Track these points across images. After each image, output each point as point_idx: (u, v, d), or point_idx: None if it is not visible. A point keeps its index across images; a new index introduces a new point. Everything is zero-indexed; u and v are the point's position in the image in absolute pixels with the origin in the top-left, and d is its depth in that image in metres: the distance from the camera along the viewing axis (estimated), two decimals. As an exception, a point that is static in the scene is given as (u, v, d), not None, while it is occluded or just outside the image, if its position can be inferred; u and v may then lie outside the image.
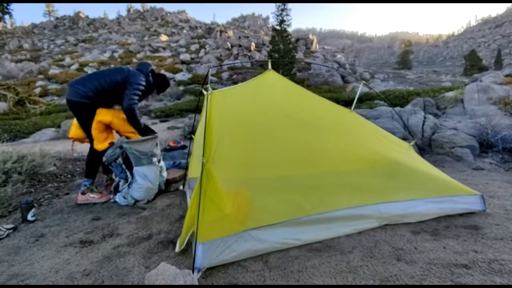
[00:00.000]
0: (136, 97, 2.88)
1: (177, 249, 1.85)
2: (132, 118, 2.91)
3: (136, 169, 2.86)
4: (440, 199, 2.15)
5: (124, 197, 2.84)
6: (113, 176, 3.15)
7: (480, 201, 2.22)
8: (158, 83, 3.20)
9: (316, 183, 2.09)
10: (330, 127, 2.44)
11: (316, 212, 1.92)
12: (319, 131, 2.37)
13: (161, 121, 10.55)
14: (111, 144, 2.95)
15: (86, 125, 2.90)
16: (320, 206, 1.95)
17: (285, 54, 22.82)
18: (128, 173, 2.91)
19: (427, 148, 4.71)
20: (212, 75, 24.81)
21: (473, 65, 36.55)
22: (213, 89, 2.24)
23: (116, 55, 33.81)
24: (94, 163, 3.04)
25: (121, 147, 2.89)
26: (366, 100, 10.55)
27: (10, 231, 2.26)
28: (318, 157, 2.25)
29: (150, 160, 2.93)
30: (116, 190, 2.97)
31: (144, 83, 2.95)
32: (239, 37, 36.41)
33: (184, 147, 4.76)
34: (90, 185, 2.99)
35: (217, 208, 1.78)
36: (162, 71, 25.08)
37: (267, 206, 1.90)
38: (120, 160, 2.92)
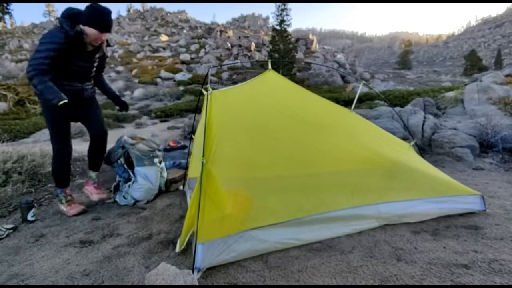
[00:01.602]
0: (38, 60, 2.09)
1: (177, 249, 1.85)
2: (34, 88, 2.14)
3: (137, 169, 2.86)
4: (440, 199, 2.15)
5: (124, 197, 2.84)
6: (93, 176, 2.93)
7: (480, 201, 2.22)
8: (88, 20, 2.18)
9: (316, 183, 2.09)
10: (330, 127, 2.44)
11: (316, 212, 1.92)
12: (319, 131, 2.37)
13: (161, 121, 10.56)
14: None
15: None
16: (320, 206, 1.95)
17: (285, 54, 22.83)
18: (130, 173, 2.91)
19: (427, 148, 4.71)
20: (212, 75, 24.82)
21: (473, 65, 36.55)
22: (213, 89, 2.24)
23: (116, 55, 33.81)
24: (62, 168, 2.56)
25: (123, 147, 2.89)
26: (366, 100, 10.55)
27: (10, 231, 2.26)
28: (318, 157, 2.25)
29: (152, 160, 2.93)
30: (116, 190, 2.97)
31: (54, 38, 2.13)
32: (239, 37, 36.41)
33: (184, 147, 4.76)
34: (60, 194, 2.62)
35: (217, 208, 1.78)
36: (162, 71, 25.11)
37: (267, 206, 1.90)
38: (122, 160, 2.93)
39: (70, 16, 2.21)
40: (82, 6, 2.28)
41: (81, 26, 2.18)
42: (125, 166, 2.93)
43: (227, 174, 1.94)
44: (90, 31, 2.19)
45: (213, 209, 1.76)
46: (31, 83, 2.12)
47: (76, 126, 8.05)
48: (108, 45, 2.51)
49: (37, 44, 2.16)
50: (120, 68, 28.31)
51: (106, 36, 2.29)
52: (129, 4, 73.24)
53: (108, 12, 2.22)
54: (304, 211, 1.90)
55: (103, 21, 2.21)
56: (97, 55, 2.46)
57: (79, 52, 2.26)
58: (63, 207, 2.61)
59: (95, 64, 2.52)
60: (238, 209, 1.82)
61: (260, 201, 1.91)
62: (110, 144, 3.12)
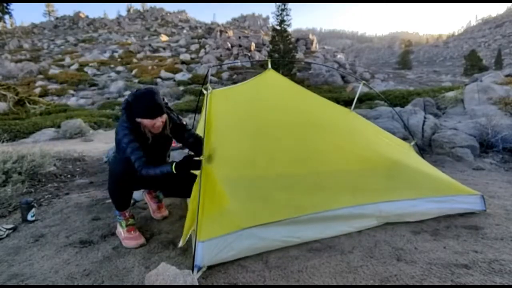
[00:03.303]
0: (137, 155, 1.93)
1: (180, 244, 1.78)
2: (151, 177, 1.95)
3: (136, 169, 2.85)
4: (440, 199, 2.15)
5: (124, 197, 2.83)
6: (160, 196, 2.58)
7: (480, 201, 2.21)
8: (136, 111, 1.98)
9: (316, 182, 2.09)
10: (330, 127, 2.44)
11: (316, 211, 1.91)
12: (319, 130, 2.37)
13: (161, 121, 10.55)
14: None
15: None
16: (320, 205, 1.95)
17: (285, 54, 22.84)
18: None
19: (427, 148, 4.70)
20: (212, 75, 24.83)
21: (473, 65, 36.58)
22: (213, 89, 2.24)
23: (116, 55, 33.83)
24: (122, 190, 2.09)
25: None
26: (366, 100, 10.56)
27: (10, 231, 2.26)
28: (318, 156, 2.25)
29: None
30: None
31: (125, 130, 1.96)
32: (239, 37, 36.43)
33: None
34: (120, 217, 2.13)
35: (216, 206, 1.79)
36: (162, 71, 25.11)
37: (267, 204, 1.90)
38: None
39: (127, 107, 2.03)
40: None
41: (136, 119, 2.00)
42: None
43: (227, 172, 1.94)
44: (142, 121, 1.99)
45: (213, 207, 1.76)
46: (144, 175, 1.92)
47: (75, 126, 8.05)
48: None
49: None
50: (120, 68, 28.34)
51: (162, 118, 2.04)
52: (129, 4, 73.28)
53: (148, 97, 1.98)
54: (304, 210, 1.90)
55: (145, 108, 1.98)
56: (162, 139, 2.19)
57: (144, 140, 2.05)
58: (121, 230, 2.10)
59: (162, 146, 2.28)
60: (238, 207, 1.82)
61: (260, 199, 1.91)
62: (109, 145, 3.12)
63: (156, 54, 33.78)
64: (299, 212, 1.89)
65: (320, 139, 2.32)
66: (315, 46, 40.47)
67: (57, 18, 64.26)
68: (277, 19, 24.00)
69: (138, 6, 74.20)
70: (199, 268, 1.56)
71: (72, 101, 19.27)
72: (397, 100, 9.68)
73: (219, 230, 1.68)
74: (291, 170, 2.13)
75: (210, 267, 1.63)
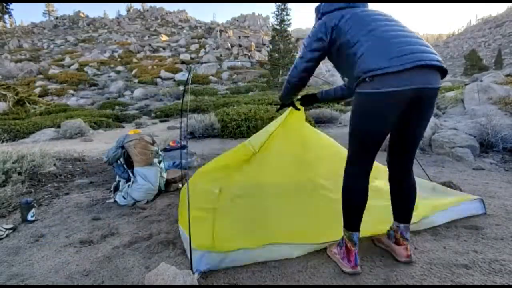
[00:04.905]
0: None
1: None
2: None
3: (137, 170, 2.86)
4: (449, 210, 2.09)
5: (123, 197, 2.84)
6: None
7: (480, 205, 2.20)
8: None
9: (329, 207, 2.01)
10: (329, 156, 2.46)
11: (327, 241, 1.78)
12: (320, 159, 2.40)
13: (161, 121, 10.57)
14: None
15: None
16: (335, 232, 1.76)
17: (285, 54, 22.82)
18: (130, 173, 2.91)
19: (427, 148, 4.70)
20: (212, 75, 24.83)
21: (473, 65, 36.56)
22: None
23: (116, 55, 33.82)
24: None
25: (122, 147, 2.89)
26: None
27: (10, 231, 2.25)
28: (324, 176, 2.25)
29: (151, 160, 2.93)
30: (116, 190, 2.97)
31: None
32: (239, 37, 36.45)
33: (184, 147, 4.75)
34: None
35: (222, 225, 1.85)
36: (162, 71, 25.13)
37: (276, 228, 1.86)
38: (121, 160, 2.92)
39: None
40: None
41: None
42: (125, 166, 2.93)
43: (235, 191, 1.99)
44: None
45: (218, 224, 1.82)
46: None
47: (75, 126, 8.04)
48: None
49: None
50: (120, 68, 28.33)
51: None
52: (129, 4, 73.21)
53: None
54: (310, 239, 1.80)
55: None
56: None
57: None
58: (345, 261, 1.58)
59: None
60: (241, 229, 1.86)
61: (273, 220, 1.92)
62: (109, 145, 3.12)
63: (156, 54, 33.79)
64: (307, 240, 1.78)
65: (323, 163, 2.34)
66: (315, 46, 40.42)
67: (57, 18, 64.22)
68: (277, 18, 23.94)
69: (138, 6, 74.13)
70: (200, 272, 1.56)
71: (72, 101, 19.27)
72: (397, 100, 9.66)
73: (222, 247, 1.66)
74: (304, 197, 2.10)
75: (210, 267, 1.63)
